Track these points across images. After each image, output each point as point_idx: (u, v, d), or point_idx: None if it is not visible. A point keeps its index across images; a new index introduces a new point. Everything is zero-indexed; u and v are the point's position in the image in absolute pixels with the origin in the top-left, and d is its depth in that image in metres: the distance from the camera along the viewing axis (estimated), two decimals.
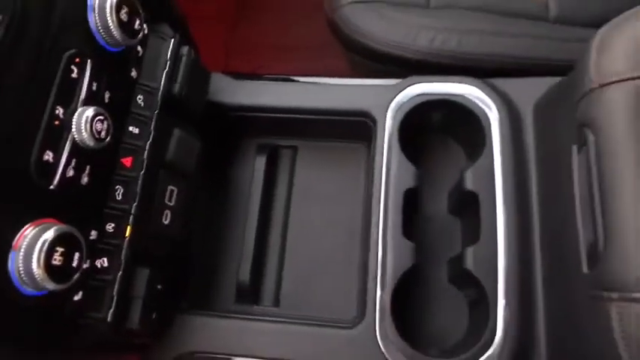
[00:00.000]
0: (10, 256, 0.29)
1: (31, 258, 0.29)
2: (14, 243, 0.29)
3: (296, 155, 0.60)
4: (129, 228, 0.40)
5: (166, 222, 0.45)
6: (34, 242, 0.29)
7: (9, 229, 0.29)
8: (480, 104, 0.52)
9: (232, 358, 0.47)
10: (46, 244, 0.29)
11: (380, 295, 0.47)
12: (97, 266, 0.37)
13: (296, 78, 0.57)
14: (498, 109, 0.52)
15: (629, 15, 0.41)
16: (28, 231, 0.30)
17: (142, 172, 0.41)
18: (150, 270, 0.42)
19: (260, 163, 0.58)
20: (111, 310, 0.38)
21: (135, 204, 0.40)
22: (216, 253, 0.56)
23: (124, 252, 0.39)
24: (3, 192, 0.29)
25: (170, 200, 0.45)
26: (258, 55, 0.90)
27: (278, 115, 0.56)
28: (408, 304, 0.52)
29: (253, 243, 0.54)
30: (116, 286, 0.38)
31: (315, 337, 0.47)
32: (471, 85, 0.53)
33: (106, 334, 0.37)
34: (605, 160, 0.37)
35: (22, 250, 0.29)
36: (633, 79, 0.38)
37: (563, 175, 0.42)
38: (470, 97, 0.53)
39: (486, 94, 0.53)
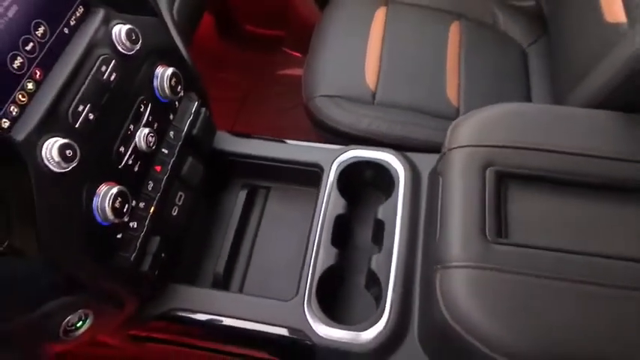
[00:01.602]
0: (94, 199, 0.53)
1: (105, 200, 0.53)
2: (97, 191, 0.53)
3: (269, 193, 0.85)
4: (152, 208, 0.63)
5: (174, 214, 0.68)
6: (108, 192, 0.53)
7: (96, 184, 0.53)
8: (395, 166, 0.78)
9: (201, 314, 0.68)
10: (113, 193, 0.53)
11: (309, 280, 0.68)
12: (130, 225, 0.60)
13: (275, 138, 0.83)
14: (405, 171, 0.77)
15: (474, 111, 0.69)
16: (104, 186, 0.54)
17: (166, 176, 0.66)
18: (160, 239, 0.64)
19: (242, 195, 0.82)
20: (134, 254, 0.60)
21: (158, 194, 0.64)
22: (201, 250, 0.78)
23: (147, 222, 0.62)
24: (95, 166, 0.54)
25: (179, 201, 0.69)
26: (257, 126, 1.21)
27: (259, 161, 0.82)
28: (333, 295, 0.73)
29: (229, 247, 0.77)
30: (139, 241, 0.61)
31: (263, 304, 0.68)
32: (391, 154, 0.79)
33: (128, 268, 0.59)
34: (445, 192, 0.62)
35: (101, 195, 0.53)
36: (467, 146, 0.64)
37: (433, 203, 0.67)
38: (389, 162, 0.78)
39: (399, 161, 0.78)
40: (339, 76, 0.95)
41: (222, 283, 0.75)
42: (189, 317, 0.68)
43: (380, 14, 1.04)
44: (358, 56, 0.97)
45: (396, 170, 0.77)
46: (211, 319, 0.68)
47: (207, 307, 0.68)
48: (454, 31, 1.04)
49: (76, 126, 0.50)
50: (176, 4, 0.77)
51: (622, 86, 0.65)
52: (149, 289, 0.66)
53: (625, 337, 0.50)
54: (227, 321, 0.67)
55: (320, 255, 0.71)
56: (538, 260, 0.55)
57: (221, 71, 1.37)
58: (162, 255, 0.66)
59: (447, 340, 0.56)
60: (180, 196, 0.69)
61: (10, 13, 0.45)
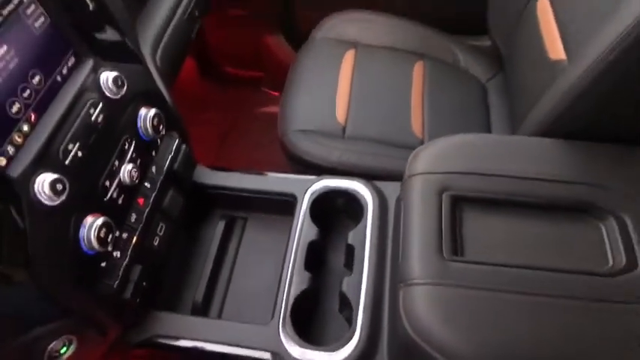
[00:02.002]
0: (81, 229, 0.57)
1: (91, 230, 0.57)
2: (84, 222, 0.57)
3: (246, 223, 0.90)
4: (135, 239, 0.68)
5: (155, 244, 0.73)
6: (93, 223, 0.57)
7: (83, 216, 0.58)
8: (364, 194, 0.83)
9: (182, 340, 0.71)
10: (99, 224, 0.58)
11: (284, 304, 0.72)
12: (114, 255, 0.64)
13: (251, 171, 0.89)
14: (373, 198, 0.83)
15: (432, 141, 0.75)
16: (90, 217, 0.58)
17: (148, 209, 0.70)
18: (142, 268, 0.68)
19: (221, 225, 0.87)
20: (117, 282, 0.64)
21: (141, 225, 0.69)
22: (181, 278, 0.82)
23: (129, 251, 0.66)
24: (82, 199, 0.58)
25: (160, 231, 0.74)
26: (236, 161, 1.27)
27: (236, 193, 0.87)
28: (308, 317, 0.77)
29: (208, 274, 0.81)
30: (122, 270, 0.65)
31: (240, 329, 0.71)
32: (360, 183, 0.85)
33: (111, 295, 0.63)
34: (406, 216, 0.68)
35: (87, 226, 0.57)
36: (425, 173, 0.70)
37: (398, 227, 0.72)
38: (358, 190, 0.84)
39: (368, 189, 0.84)
40: (312, 112, 1.02)
41: (202, 309, 0.79)
42: (170, 344, 0.72)
43: (349, 55, 1.12)
44: (329, 94, 1.04)
45: (364, 198, 0.83)
46: (191, 345, 0.71)
47: (187, 333, 0.72)
48: (418, 69, 1.12)
49: (66, 163, 0.55)
50: (159, 52, 0.83)
51: (562, 116, 0.72)
52: (131, 316, 0.70)
53: (574, 344, 0.55)
54: (207, 346, 0.71)
55: (294, 280, 0.75)
56: (491, 275, 0.60)
57: (203, 110, 1.44)
58: (144, 283, 0.70)
59: (410, 354, 0.60)
60: (162, 227, 0.74)
61: (11, 65, 0.51)
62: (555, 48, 0.83)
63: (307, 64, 1.12)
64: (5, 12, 0.50)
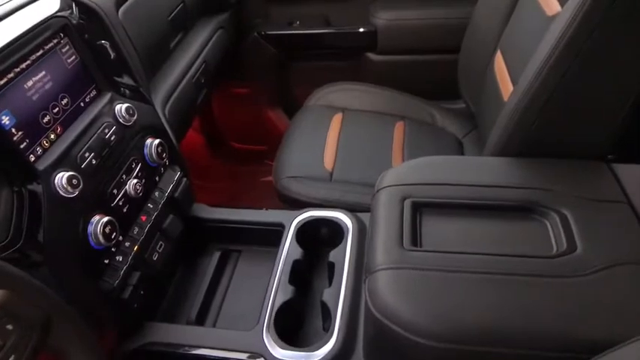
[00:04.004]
0: (89, 226, 0.67)
1: (98, 226, 0.67)
2: (92, 219, 0.68)
3: (240, 255, 0.98)
4: (136, 247, 0.77)
5: (154, 258, 0.82)
6: (100, 220, 0.68)
7: (92, 214, 0.68)
8: (345, 222, 0.93)
9: (174, 347, 0.76)
10: (105, 221, 0.68)
11: (268, 311, 0.78)
12: (116, 258, 0.73)
13: (245, 206, 0.99)
14: (353, 224, 0.92)
15: (400, 165, 0.86)
16: (98, 215, 0.69)
17: (149, 225, 0.81)
18: (140, 275, 0.77)
19: (216, 255, 0.96)
20: (117, 281, 0.72)
21: (142, 238, 0.78)
22: (178, 301, 0.89)
23: (130, 258, 0.75)
24: (92, 200, 0.69)
25: (159, 248, 0.83)
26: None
27: (231, 225, 0.96)
28: (294, 329, 0.82)
29: (203, 295, 0.88)
30: (122, 272, 0.73)
31: (227, 335, 0.77)
32: (342, 213, 0.94)
33: (110, 292, 0.71)
34: (373, 221, 0.76)
35: (94, 222, 0.68)
36: (390, 186, 0.80)
37: None
38: (340, 218, 0.93)
39: (349, 217, 0.93)
40: (302, 162, 1.15)
41: (196, 324, 0.85)
42: (164, 350, 0.77)
43: (337, 118, 1.28)
44: (318, 147, 1.18)
45: (345, 224, 0.92)
46: (184, 352, 0.77)
47: (179, 339, 0.77)
48: (399, 127, 1.26)
49: (82, 166, 0.67)
50: (168, 106, 0.99)
51: (511, 137, 0.83)
52: (129, 322, 0.76)
53: (519, 310, 0.61)
54: (197, 351, 0.76)
55: (279, 291, 0.82)
56: (446, 260, 0.67)
57: (211, 181, 1.59)
58: (142, 291, 0.77)
59: (378, 335, 0.65)
60: (161, 244, 0.83)
61: (47, 87, 0.66)
62: (508, 92, 0.96)
63: (299, 126, 1.28)
64: (46, 47, 0.66)
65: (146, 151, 0.81)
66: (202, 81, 1.13)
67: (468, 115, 1.32)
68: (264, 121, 1.60)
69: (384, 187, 0.80)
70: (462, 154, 1.24)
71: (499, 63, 1.06)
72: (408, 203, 0.76)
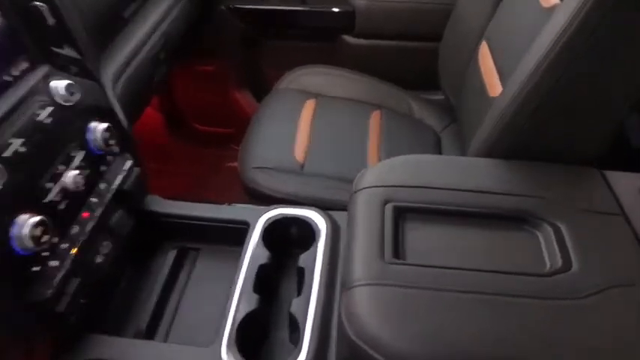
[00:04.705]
0: (13, 226, 0.56)
1: (24, 227, 0.56)
2: (17, 220, 0.57)
3: (198, 254, 0.89)
4: (75, 250, 0.66)
5: (98, 261, 0.71)
6: (27, 220, 0.56)
7: (17, 213, 0.57)
8: (317, 221, 0.84)
9: None
10: (34, 222, 0.57)
11: (229, 325, 0.70)
12: (50, 263, 0.63)
13: (206, 200, 0.89)
14: (326, 224, 0.83)
15: (380, 163, 0.78)
16: (25, 214, 0.57)
17: (93, 223, 0.70)
18: (80, 282, 0.66)
19: (172, 255, 0.86)
20: (51, 291, 0.61)
21: (83, 238, 0.67)
22: (127, 307, 0.79)
23: (67, 262, 0.64)
24: (19, 195, 0.58)
25: (105, 249, 0.72)
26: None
27: (189, 221, 0.86)
28: (259, 340, 0.73)
29: (155, 303, 0.78)
30: (58, 279, 0.62)
31: (182, 352, 0.68)
32: (313, 211, 0.86)
33: (41, 304, 0.60)
34: (351, 227, 0.68)
35: (20, 223, 0.56)
36: (370, 187, 0.72)
37: None
38: (311, 217, 0.85)
39: (321, 217, 0.85)
40: (271, 151, 1.06)
41: (146, 335, 0.75)
42: None
43: (310, 104, 1.19)
44: (288, 135, 1.09)
45: (317, 224, 0.84)
46: None
47: (124, 356, 0.68)
48: (375, 117, 1.18)
49: (6, 154, 0.56)
50: (120, 83, 0.87)
51: (499, 139, 0.76)
52: (66, 336, 0.66)
53: (503, 336, 0.54)
54: None
55: (241, 301, 0.73)
56: (430, 276, 0.60)
57: (170, 164, 1.47)
58: (82, 300, 0.67)
59: (353, 358, 0.58)
60: (107, 245, 0.73)
61: None
62: (494, 86, 0.89)
63: (268, 111, 1.18)
64: None
65: (90, 136, 0.69)
66: (162, 57, 1.01)
67: (446, 108, 1.25)
68: (230, 102, 1.48)
69: (364, 188, 0.72)
70: (440, 148, 1.18)
71: (484, 56, 0.99)
72: (389, 208, 0.68)
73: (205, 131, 1.56)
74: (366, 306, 0.58)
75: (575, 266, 0.61)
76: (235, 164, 1.12)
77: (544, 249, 0.64)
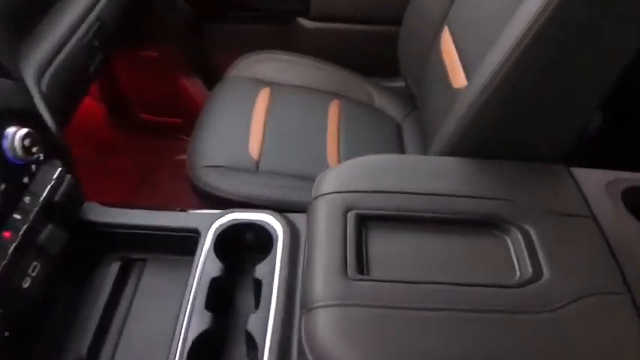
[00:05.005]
0: None
1: None
2: None
3: (145, 266, 0.81)
4: None
5: (25, 286, 0.62)
6: None
7: None
8: (274, 226, 0.78)
9: None
10: None
11: (179, 347, 0.63)
12: None
13: (150, 207, 0.81)
14: (284, 229, 0.77)
15: (338, 165, 0.73)
16: None
17: (15, 243, 0.61)
18: (3, 314, 0.58)
19: (115, 268, 0.78)
20: None
21: (4, 262, 0.59)
22: (66, 330, 0.71)
23: None
24: None
25: (32, 272, 0.64)
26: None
27: (133, 231, 0.78)
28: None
29: (96, 324, 0.70)
30: None
31: None
32: (269, 215, 0.79)
33: None
34: (310, 238, 0.63)
35: None
36: (330, 194, 0.66)
37: None
38: (268, 222, 0.79)
39: (278, 221, 0.79)
40: (223, 148, 0.98)
41: None
42: None
43: (264, 94, 1.11)
44: (242, 130, 1.01)
45: (274, 230, 0.78)
46: None
47: None
48: (334, 107, 1.12)
49: None
50: (46, 77, 0.76)
51: (465, 135, 0.72)
52: None
53: (476, 358, 0.51)
54: None
55: (193, 320, 0.67)
56: (398, 293, 0.55)
57: (114, 158, 1.36)
58: (6, 334, 0.59)
59: None
60: (35, 266, 0.64)
61: None
62: (458, 77, 0.85)
63: (219, 102, 1.09)
64: None
65: (6, 144, 0.60)
66: (96, 44, 0.90)
67: (408, 96, 1.21)
68: (178, 91, 1.38)
69: (323, 195, 0.66)
70: (402, 138, 1.13)
71: (446, 43, 0.94)
72: (351, 216, 0.63)
73: (153, 121, 1.46)
74: (328, 329, 0.53)
75: (546, 275, 0.58)
76: (185, 157, 1.04)
77: (514, 256, 0.61)
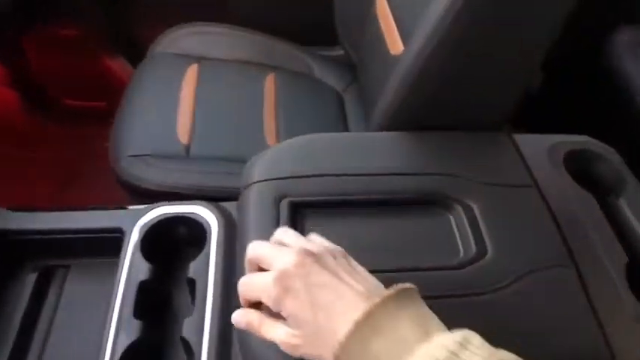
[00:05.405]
0: None
1: None
2: None
3: (67, 273, 0.73)
4: None
5: None
6: None
7: None
8: (207, 218, 0.72)
9: None
10: None
11: None
12: None
13: (66, 207, 0.73)
14: (218, 221, 0.71)
15: (270, 147, 0.67)
16: None
17: None
18: None
19: (31, 279, 0.70)
20: None
21: None
22: None
23: None
24: None
25: None
26: None
27: (49, 236, 0.70)
28: None
29: (11, 346, 0.63)
30: None
31: None
32: (201, 206, 0.73)
33: None
34: (241, 232, 0.57)
35: None
36: (260, 181, 0.61)
37: None
38: (200, 214, 0.72)
39: (211, 212, 0.72)
40: (149, 134, 0.90)
41: None
42: None
43: (192, 71, 1.02)
44: (168, 112, 0.93)
45: (208, 222, 0.71)
46: None
47: None
48: (270, 81, 1.05)
49: None
50: None
51: (403, 106, 0.68)
52: None
53: None
54: None
55: (120, 330, 0.60)
56: None
57: (35, 150, 1.24)
58: None
59: None
60: None
61: None
62: (395, 43, 0.80)
63: (143, 82, 1.00)
64: None
65: None
66: None
67: (348, 65, 1.15)
68: (101, 71, 1.26)
69: (253, 183, 0.61)
70: (344, 110, 1.08)
71: (382, 7, 0.88)
72: (285, 205, 0.58)
73: (76, 107, 1.33)
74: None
75: (490, 252, 0.55)
76: None
77: (457, 234, 0.58)
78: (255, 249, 0.44)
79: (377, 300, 0.36)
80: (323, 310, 0.37)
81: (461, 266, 0.54)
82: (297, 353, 0.39)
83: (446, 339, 0.34)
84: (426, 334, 0.35)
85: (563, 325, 0.52)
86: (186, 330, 0.61)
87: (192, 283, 0.66)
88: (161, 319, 0.68)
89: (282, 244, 0.44)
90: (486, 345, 0.36)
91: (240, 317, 0.44)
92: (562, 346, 0.50)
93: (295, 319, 0.38)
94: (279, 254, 0.41)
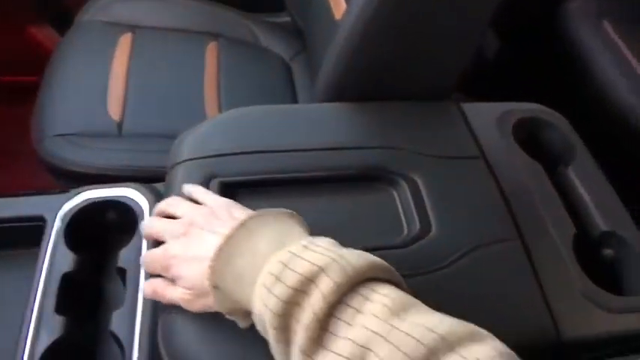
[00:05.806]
0: None
1: None
2: None
3: None
4: None
5: None
6: None
7: None
8: (138, 201, 0.66)
9: None
10: None
11: None
12: None
13: None
14: (150, 204, 0.66)
15: (201, 123, 0.61)
16: None
17: None
18: None
19: None
20: None
21: None
22: None
23: None
24: None
25: None
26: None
27: None
28: None
29: None
30: None
31: None
32: (131, 188, 0.67)
33: None
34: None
35: None
36: (187, 160, 0.55)
37: None
38: (130, 197, 0.66)
39: (142, 194, 0.67)
40: (76, 111, 0.82)
41: None
42: None
43: (125, 40, 0.94)
44: (98, 87, 0.85)
45: (140, 205, 0.66)
46: None
47: None
48: (211, 51, 0.98)
49: None
50: None
51: (344, 75, 0.64)
52: None
53: None
54: None
55: (42, 327, 0.55)
56: None
57: None
58: None
59: None
60: None
61: None
62: (339, 6, 0.75)
63: (69, 54, 0.91)
64: None
65: None
66: None
67: (295, 32, 1.09)
68: (28, 42, 1.15)
69: (182, 162, 0.55)
70: (292, 80, 1.03)
71: None
72: (214, 185, 0.53)
73: (1, 82, 1.22)
74: (187, 333, 0.44)
75: (434, 229, 0.52)
76: None
77: (401, 210, 0.55)
78: (148, 226, 0.50)
79: (236, 224, 0.40)
80: (197, 259, 0.41)
81: (404, 245, 0.51)
82: (193, 307, 0.43)
83: (294, 245, 0.37)
84: (282, 245, 0.38)
85: (509, 302, 0.50)
86: (116, 323, 0.57)
87: (122, 272, 0.61)
88: (90, 314, 0.63)
89: (194, 201, 0.49)
90: (335, 246, 0.39)
91: (147, 286, 0.47)
92: (507, 323, 0.48)
93: (181, 280, 0.42)
94: (167, 228, 0.46)
